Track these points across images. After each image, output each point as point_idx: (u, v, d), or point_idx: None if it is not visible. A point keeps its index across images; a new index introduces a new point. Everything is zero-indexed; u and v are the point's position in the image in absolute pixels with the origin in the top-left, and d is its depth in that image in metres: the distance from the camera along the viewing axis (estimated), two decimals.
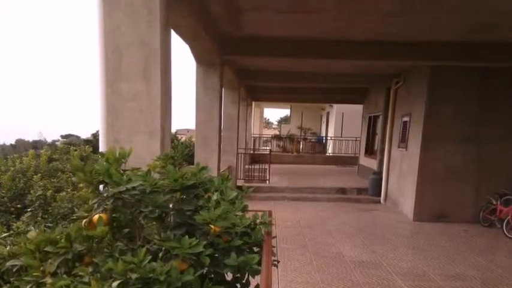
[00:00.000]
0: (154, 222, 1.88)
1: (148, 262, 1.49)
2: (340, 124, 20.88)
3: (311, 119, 25.39)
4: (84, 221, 1.78)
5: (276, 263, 2.21)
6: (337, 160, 18.85)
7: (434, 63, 7.94)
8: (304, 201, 10.64)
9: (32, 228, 5.31)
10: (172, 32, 4.08)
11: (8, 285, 1.63)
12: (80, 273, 1.53)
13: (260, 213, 2.30)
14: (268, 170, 12.31)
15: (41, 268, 1.57)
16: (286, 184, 11.95)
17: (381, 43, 7.00)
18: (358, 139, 16.62)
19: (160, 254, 1.68)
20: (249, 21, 6.06)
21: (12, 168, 8.03)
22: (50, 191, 6.90)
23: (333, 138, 20.79)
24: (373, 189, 11.31)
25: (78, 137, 33.75)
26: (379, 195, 11.05)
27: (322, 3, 5.13)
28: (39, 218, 6.21)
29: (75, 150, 10.49)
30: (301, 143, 21.80)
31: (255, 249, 2.08)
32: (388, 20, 5.76)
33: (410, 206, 9.08)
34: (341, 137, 20.22)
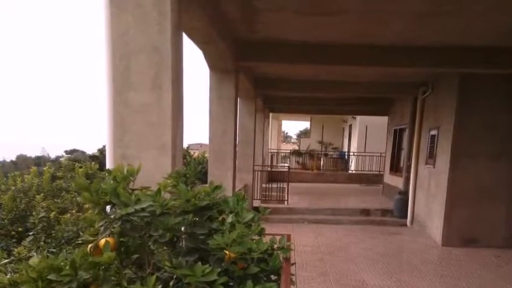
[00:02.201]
0: (165, 247, 1.87)
1: None
2: (364, 138, 20.61)
3: (332, 132, 25.21)
4: (90, 245, 1.77)
5: None
6: (361, 178, 18.58)
7: (465, 70, 7.73)
8: (325, 224, 10.50)
9: (34, 253, 5.35)
10: (184, 36, 4.04)
11: None
12: None
13: (278, 237, 2.27)
14: (286, 189, 12.23)
15: None
16: (306, 205, 11.81)
17: (408, 48, 6.95)
18: (382, 155, 16.44)
19: (171, 283, 1.67)
20: (265, 23, 6.03)
21: (13, 188, 8.11)
22: (54, 213, 6.93)
23: (355, 153, 20.57)
24: (399, 211, 11.07)
25: (83, 153, 34.27)
26: (405, 217, 10.80)
27: (347, 4, 5.07)
28: (42, 243, 6.22)
29: (81, 167, 10.59)
30: (322, 159, 21.62)
31: (273, 277, 2.05)
32: (417, 23, 5.70)
33: (438, 229, 8.87)
34: (364, 152, 20.00)
